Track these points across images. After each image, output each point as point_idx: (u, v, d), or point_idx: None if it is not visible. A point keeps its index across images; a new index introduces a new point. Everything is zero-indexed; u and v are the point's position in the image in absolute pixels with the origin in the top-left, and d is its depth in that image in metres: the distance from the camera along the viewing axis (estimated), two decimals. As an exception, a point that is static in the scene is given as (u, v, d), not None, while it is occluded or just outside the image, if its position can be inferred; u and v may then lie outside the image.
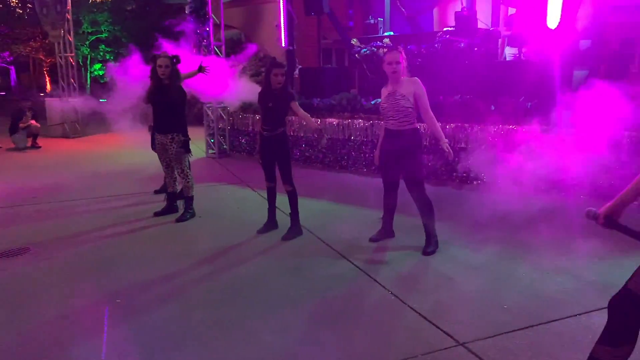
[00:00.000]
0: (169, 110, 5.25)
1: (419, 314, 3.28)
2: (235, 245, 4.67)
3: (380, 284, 3.77)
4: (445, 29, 8.07)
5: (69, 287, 3.83)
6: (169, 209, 5.64)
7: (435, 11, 10.92)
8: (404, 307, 3.39)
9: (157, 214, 5.58)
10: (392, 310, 3.38)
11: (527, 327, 3.07)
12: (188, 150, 5.41)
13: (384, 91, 4.41)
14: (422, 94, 4.23)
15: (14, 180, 7.56)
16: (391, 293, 3.59)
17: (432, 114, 4.23)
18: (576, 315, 3.22)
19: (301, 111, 4.72)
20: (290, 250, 4.54)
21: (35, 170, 8.39)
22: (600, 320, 3.15)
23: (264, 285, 3.80)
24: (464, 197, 6.10)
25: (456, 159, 6.72)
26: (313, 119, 5.14)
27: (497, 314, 3.24)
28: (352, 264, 4.17)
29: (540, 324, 3.11)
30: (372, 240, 4.65)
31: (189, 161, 5.55)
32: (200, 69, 5.65)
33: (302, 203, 4.93)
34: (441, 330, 3.06)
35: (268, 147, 4.76)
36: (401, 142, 4.28)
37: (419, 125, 4.41)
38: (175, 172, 5.56)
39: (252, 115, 9.07)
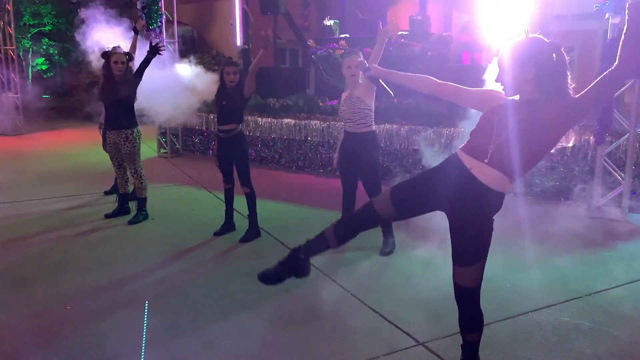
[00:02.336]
0: (122, 107, 5.09)
1: (379, 314, 3.32)
2: (190, 248, 4.56)
3: (339, 284, 3.78)
4: (399, 33, 8.21)
5: (14, 294, 3.62)
6: (121, 210, 5.44)
7: (389, 15, 11.09)
8: (364, 307, 3.42)
9: (107, 216, 5.37)
10: (352, 310, 3.40)
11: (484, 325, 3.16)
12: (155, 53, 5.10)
13: (343, 94, 4.45)
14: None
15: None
16: (350, 293, 3.62)
17: None
18: (528, 312, 3.35)
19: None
20: (248, 253, 4.48)
21: (-29, 170, 7.89)
22: (548, 316, 3.30)
23: (221, 289, 3.73)
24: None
25: (410, 160, 6.88)
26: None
27: (453, 313, 3.32)
28: (312, 265, 4.15)
29: (495, 321, 3.21)
30: None
31: (141, 161, 5.38)
32: (153, 50, 5.15)
33: (260, 204, 4.88)
34: (401, 330, 3.10)
35: (225, 147, 4.69)
36: (359, 144, 4.32)
37: (376, 127, 4.46)
38: (128, 173, 5.38)
39: (205, 114, 8.89)
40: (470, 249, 2.32)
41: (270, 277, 2.67)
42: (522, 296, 3.58)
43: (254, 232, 4.79)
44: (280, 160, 8.21)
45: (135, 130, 5.18)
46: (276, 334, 3.13)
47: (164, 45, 5.41)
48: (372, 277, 4.00)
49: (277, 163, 8.23)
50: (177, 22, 9.52)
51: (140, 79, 5.14)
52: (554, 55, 2.17)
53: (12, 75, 12.09)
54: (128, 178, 5.44)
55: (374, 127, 4.36)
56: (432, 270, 4.03)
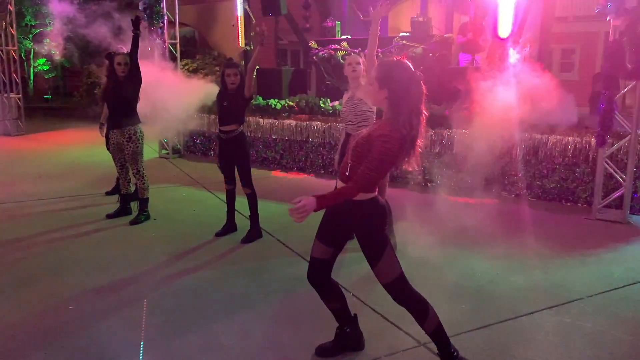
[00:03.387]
0: (126, 107, 5.13)
1: (380, 314, 3.32)
2: (192, 248, 4.57)
3: (341, 285, 3.78)
4: (401, 34, 8.22)
5: (16, 293, 3.63)
6: (123, 210, 5.45)
7: (390, 17, 11.11)
8: (365, 308, 3.42)
9: (109, 216, 5.38)
10: (354, 311, 3.38)
11: (484, 327, 3.17)
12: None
13: (345, 96, 4.46)
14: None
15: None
16: (352, 294, 3.62)
17: None
18: (529, 313, 3.35)
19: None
20: (249, 253, 4.49)
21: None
22: (550, 317, 3.30)
23: (223, 289, 3.74)
24: (419, 199, 6.23)
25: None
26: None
27: (456, 314, 3.33)
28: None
29: (496, 322, 3.22)
30: None
31: (143, 162, 5.39)
32: (136, 25, 5.01)
33: (261, 205, 4.88)
34: (402, 330, 3.11)
35: (226, 148, 4.70)
36: None
37: None
38: (130, 173, 5.39)
39: (207, 115, 8.90)
40: (367, 253, 2.68)
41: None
42: (524, 297, 3.58)
43: (255, 232, 4.80)
44: (282, 161, 8.21)
45: (139, 130, 5.20)
46: (278, 334, 3.13)
47: (143, 17, 5.34)
48: (373, 277, 3.98)
49: (278, 164, 8.24)
50: (179, 22, 9.53)
51: (140, 74, 5.13)
52: (409, 84, 2.37)
53: (14, 75, 12.10)
54: (130, 179, 5.45)
55: None
56: (431, 271, 4.04)
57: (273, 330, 3.18)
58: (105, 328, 3.16)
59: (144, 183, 5.30)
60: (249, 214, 4.83)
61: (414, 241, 4.66)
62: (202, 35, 15.47)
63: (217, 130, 4.78)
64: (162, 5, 8.97)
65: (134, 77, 5.10)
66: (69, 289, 3.70)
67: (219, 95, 4.69)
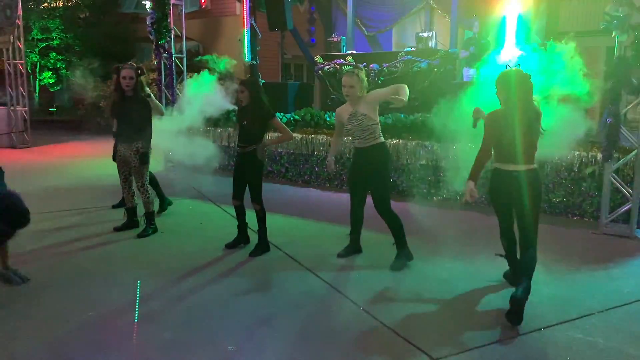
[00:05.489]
0: (134, 122, 5.10)
1: (392, 329, 3.31)
2: (201, 262, 4.56)
3: (351, 300, 3.78)
4: (406, 49, 8.29)
5: (25, 308, 3.63)
6: (130, 224, 5.46)
7: (394, 32, 11.22)
8: (376, 323, 3.41)
9: (117, 229, 5.39)
10: (365, 326, 3.39)
11: (494, 342, 3.16)
12: (146, 162, 5.25)
13: (345, 110, 4.49)
14: (377, 93, 4.42)
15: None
16: (362, 309, 3.61)
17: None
18: (540, 329, 3.34)
19: (281, 125, 4.76)
20: (258, 267, 4.49)
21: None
22: (561, 333, 3.29)
23: (234, 305, 3.73)
24: (431, 213, 6.23)
25: (417, 175, 6.90)
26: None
27: (468, 329, 3.32)
28: (322, 280, 4.17)
29: (507, 338, 3.21)
30: (340, 256, 4.67)
31: (148, 175, 5.41)
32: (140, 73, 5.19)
33: (267, 218, 4.88)
34: (415, 346, 3.10)
35: (242, 162, 4.74)
36: (369, 158, 4.38)
37: (383, 140, 4.47)
38: (134, 187, 5.40)
39: (212, 128, 8.94)
40: None
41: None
42: (534, 313, 3.56)
43: (263, 246, 4.80)
44: (287, 174, 8.24)
45: (144, 146, 5.18)
46: (290, 350, 3.12)
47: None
48: (384, 292, 3.99)
49: (284, 177, 8.27)
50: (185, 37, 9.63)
51: (149, 105, 5.21)
52: None
53: (21, 88, 12.20)
54: (134, 192, 5.45)
55: (382, 139, 4.43)
56: (442, 286, 4.03)
57: (285, 346, 3.16)
58: (114, 344, 3.15)
59: (148, 197, 5.32)
60: (257, 228, 4.83)
61: (424, 255, 4.66)
62: (206, 49, 15.60)
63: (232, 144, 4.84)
64: (169, 20, 9.07)
65: (143, 101, 5.14)
66: (77, 303, 3.70)
67: (239, 112, 4.78)
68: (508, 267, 4.04)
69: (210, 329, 3.35)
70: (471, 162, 3.65)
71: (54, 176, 8.53)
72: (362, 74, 4.41)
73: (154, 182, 6.08)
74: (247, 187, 4.80)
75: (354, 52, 9.00)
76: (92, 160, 9.95)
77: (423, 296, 3.86)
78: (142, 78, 5.24)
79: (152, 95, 5.60)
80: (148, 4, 9.41)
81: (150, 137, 5.22)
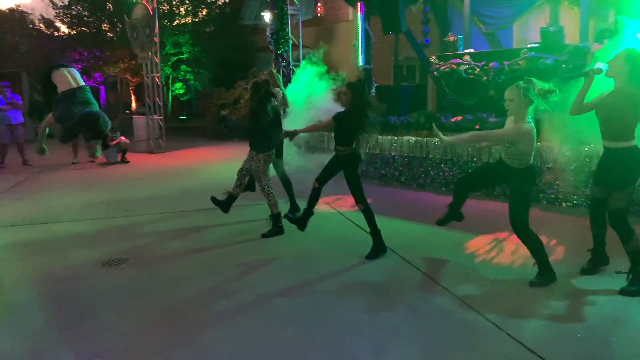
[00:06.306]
0: (252, 133, 5.52)
1: (517, 340, 3.15)
2: (317, 261, 4.72)
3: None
4: (529, 45, 7.82)
5: (160, 294, 4.03)
6: (276, 230, 5.63)
7: (515, 27, 10.63)
8: (501, 333, 3.27)
9: (264, 236, 5.56)
10: (489, 337, 3.26)
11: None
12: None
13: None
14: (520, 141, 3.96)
15: (107, 193, 8.10)
16: (485, 317, 3.48)
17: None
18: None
19: None
20: (373, 270, 4.51)
21: (125, 184, 8.95)
22: None
23: (350, 304, 3.80)
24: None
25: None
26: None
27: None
28: (456, 296, 4.09)
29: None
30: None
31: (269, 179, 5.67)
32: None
33: (382, 221, 4.87)
34: (538, 355, 2.92)
35: (336, 160, 4.90)
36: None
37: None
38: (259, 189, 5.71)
39: (324, 133, 9.13)
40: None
41: None
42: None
43: (379, 248, 4.83)
44: (401, 177, 8.18)
45: (261, 154, 5.50)
46: (408, 351, 3.11)
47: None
48: (518, 308, 3.80)
49: (398, 180, 8.22)
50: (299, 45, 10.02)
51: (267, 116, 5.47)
52: None
53: (157, 99, 13.54)
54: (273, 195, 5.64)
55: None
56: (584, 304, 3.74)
57: (402, 347, 3.16)
58: (238, 327, 3.38)
59: (270, 199, 5.57)
60: (369, 230, 4.87)
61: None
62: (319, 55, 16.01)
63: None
64: (287, 30, 9.50)
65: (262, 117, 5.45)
66: (225, 293, 4.04)
67: (340, 113, 4.89)
68: None
69: (330, 326, 3.44)
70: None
71: (186, 178, 9.34)
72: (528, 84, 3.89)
73: (289, 187, 6.29)
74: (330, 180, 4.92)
75: (472, 50, 8.68)
76: (219, 163, 10.71)
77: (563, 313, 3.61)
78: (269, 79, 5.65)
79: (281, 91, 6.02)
80: (267, 16, 9.95)
81: (270, 145, 5.57)
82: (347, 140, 4.77)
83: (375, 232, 4.85)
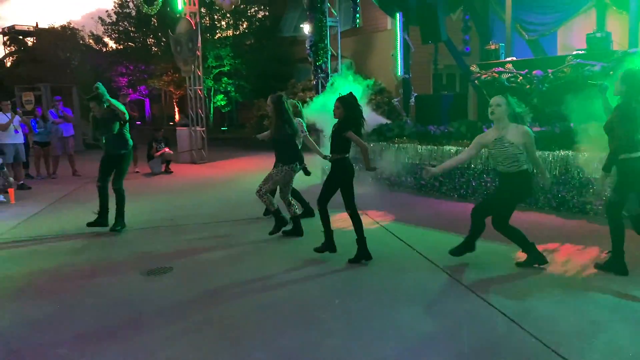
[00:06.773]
0: (276, 145, 5.90)
1: (539, 340, 3.05)
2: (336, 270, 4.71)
3: (515, 321, 3.56)
4: (575, 52, 7.60)
5: (213, 303, 4.11)
6: (296, 230, 5.97)
7: (559, 34, 10.36)
8: (524, 333, 3.17)
9: (284, 233, 5.96)
10: (514, 337, 3.17)
11: None
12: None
13: (492, 134, 4.53)
14: (532, 144, 4.38)
15: (151, 202, 8.34)
16: (517, 323, 3.38)
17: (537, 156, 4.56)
18: None
19: (355, 139, 4.90)
20: (412, 281, 4.47)
21: (169, 194, 9.20)
22: None
23: (387, 316, 3.77)
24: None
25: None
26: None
27: None
28: (493, 306, 4.01)
29: None
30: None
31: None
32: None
33: (422, 233, 4.87)
34: (560, 356, 2.81)
35: (330, 173, 5.11)
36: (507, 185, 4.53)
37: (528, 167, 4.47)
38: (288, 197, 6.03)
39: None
40: None
41: None
42: None
43: (361, 254, 4.93)
44: (441, 188, 8.07)
45: (286, 166, 5.81)
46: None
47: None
48: (539, 311, 3.69)
49: (438, 191, 8.11)
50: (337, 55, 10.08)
51: (294, 131, 5.80)
52: None
53: (200, 111, 13.89)
54: (289, 202, 6.04)
55: (525, 166, 4.42)
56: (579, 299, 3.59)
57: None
58: (277, 347, 3.41)
59: (290, 207, 6.01)
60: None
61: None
62: (358, 65, 16.07)
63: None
64: (325, 42, 9.58)
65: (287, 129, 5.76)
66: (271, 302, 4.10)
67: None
68: None
69: (370, 337, 3.43)
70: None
71: (228, 188, 9.55)
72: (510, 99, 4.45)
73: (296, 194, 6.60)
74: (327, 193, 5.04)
75: (514, 58, 8.51)
76: (259, 174, 10.84)
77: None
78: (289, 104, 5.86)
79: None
80: (306, 28, 10.05)
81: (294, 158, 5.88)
82: (339, 149, 4.94)
83: (361, 240, 4.94)
